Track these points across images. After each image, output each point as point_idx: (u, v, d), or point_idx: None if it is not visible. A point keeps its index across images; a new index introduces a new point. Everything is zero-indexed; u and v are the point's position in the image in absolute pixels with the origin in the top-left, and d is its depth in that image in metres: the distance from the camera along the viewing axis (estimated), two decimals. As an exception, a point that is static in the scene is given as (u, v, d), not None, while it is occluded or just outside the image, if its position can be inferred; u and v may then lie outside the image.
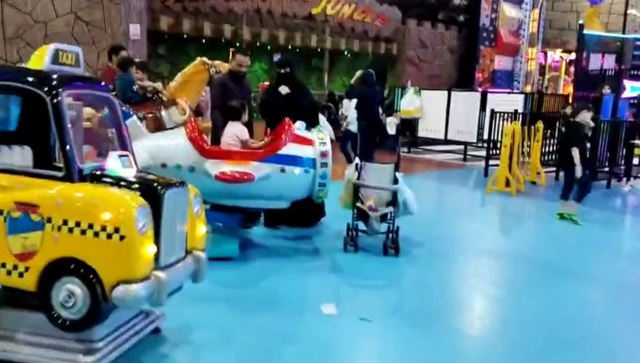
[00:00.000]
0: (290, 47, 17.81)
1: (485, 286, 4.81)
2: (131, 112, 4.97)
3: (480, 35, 19.07)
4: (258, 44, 17.11)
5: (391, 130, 12.59)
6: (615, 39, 16.63)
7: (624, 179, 9.42)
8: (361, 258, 5.19)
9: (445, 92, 12.04)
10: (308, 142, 5.05)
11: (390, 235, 5.33)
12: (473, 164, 11.29)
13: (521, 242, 6.36)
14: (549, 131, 9.98)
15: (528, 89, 19.58)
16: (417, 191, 8.95)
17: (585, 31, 15.96)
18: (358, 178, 5.58)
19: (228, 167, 4.69)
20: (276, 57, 18.45)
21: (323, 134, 5.12)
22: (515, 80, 20.06)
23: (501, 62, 19.76)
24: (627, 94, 13.70)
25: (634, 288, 4.85)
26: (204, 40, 17.65)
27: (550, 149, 10.04)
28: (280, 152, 4.89)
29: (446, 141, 12.25)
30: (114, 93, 5.94)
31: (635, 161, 9.68)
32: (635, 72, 14.87)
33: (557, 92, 20.34)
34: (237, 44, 16.74)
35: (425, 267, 5.13)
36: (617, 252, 6.22)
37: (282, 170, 4.85)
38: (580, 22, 16.19)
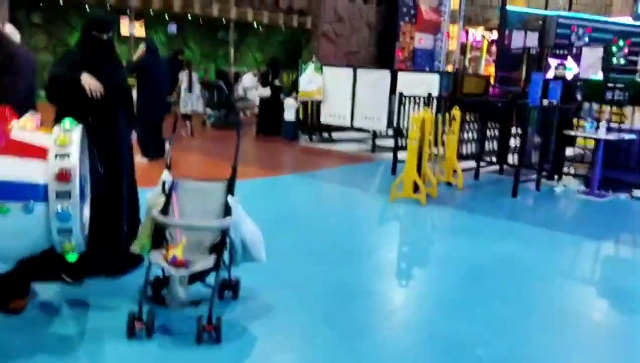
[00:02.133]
0: (189, 16, 15.02)
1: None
2: None
3: (400, 10, 17.11)
4: (151, 12, 14.24)
5: (289, 115, 10.20)
6: (538, 16, 14.94)
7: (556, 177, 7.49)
8: (154, 354, 2.81)
9: (351, 71, 9.64)
10: (35, 152, 2.56)
11: (209, 309, 2.97)
12: (382, 156, 9.04)
13: (432, 300, 3.82)
14: (469, 117, 7.90)
15: (449, 69, 17.84)
16: (302, 200, 6.50)
17: (508, 7, 14.20)
18: (165, 208, 3.19)
19: None
20: (171, 28, 15.49)
21: (67, 136, 2.62)
22: (436, 60, 18.27)
23: (422, 40, 17.90)
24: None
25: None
26: (87, 8, 14.62)
27: (470, 136, 7.95)
28: (-32, 174, 2.40)
29: (353, 129, 9.98)
30: None
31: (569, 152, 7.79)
32: (560, 51, 13.18)
33: (478, 72, 18.72)
34: (127, 12, 13.81)
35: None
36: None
37: (-30, 209, 2.38)
38: (503, -4, 14.36)
